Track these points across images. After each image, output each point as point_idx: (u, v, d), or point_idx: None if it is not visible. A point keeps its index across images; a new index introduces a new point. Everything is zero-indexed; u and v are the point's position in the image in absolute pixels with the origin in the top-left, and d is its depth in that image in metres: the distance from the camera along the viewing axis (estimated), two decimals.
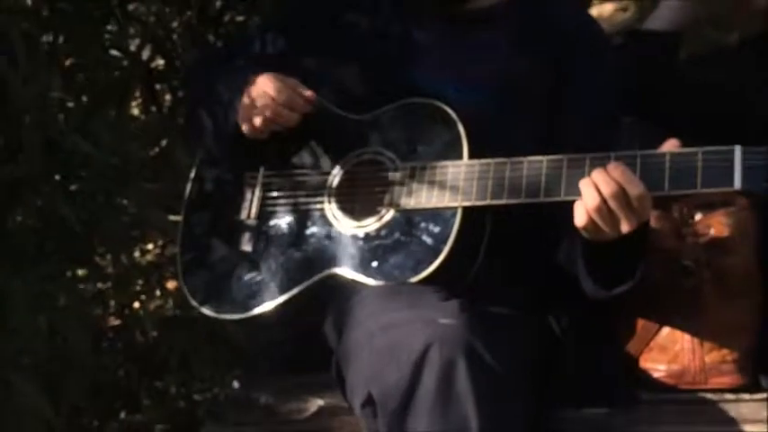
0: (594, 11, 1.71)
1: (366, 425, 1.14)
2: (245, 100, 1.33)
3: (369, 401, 1.08)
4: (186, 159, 1.84)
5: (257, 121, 1.31)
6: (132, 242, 2.27)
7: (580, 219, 1.12)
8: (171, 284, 2.71)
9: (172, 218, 1.83)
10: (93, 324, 2.24)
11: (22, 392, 1.55)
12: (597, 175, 1.11)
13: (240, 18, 2.35)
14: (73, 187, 1.77)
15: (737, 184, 1.08)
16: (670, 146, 1.13)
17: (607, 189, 1.10)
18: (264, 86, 1.31)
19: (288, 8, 1.59)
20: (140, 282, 2.53)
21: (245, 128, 1.34)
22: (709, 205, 1.34)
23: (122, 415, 2.20)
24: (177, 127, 2.48)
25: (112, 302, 2.41)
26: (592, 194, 1.10)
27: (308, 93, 1.32)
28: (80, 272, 2.00)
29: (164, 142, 2.51)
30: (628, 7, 1.93)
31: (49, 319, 1.62)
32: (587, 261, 1.20)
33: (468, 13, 1.38)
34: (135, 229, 2.10)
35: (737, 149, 1.09)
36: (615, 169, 1.11)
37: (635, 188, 1.10)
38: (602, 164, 1.13)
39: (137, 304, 2.52)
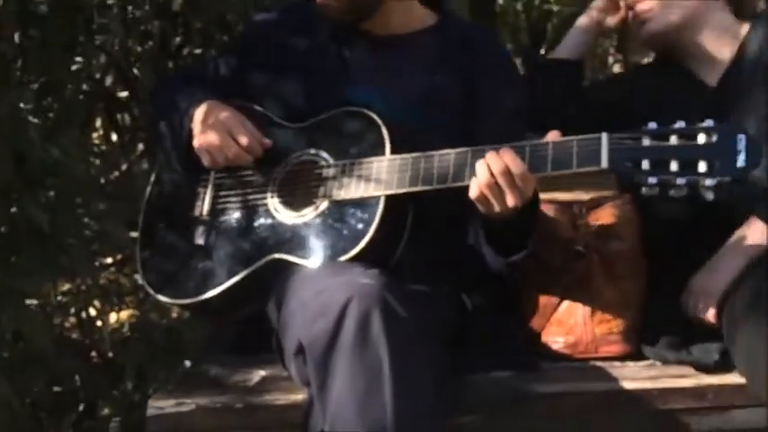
0: None
1: (297, 373, 1.31)
2: (203, 129, 1.51)
3: (299, 350, 1.25)
4: (145, 180, 2.02)
5: (219, 159, 1.51)
6: (92, 256, 2.41)
7: (473, 191, 1.33)
8: (129, 300, 2.85)
9: (131, 234, 1.98)
10: (54, 329, 2.38)
11: None
12: (489, 156, 1.33)
13: (198, 51, 2.55)
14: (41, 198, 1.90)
15: (604, 163, 1.29)
16: (552, 136, 1.35)
17: (496, 168, 1.31)
18: (227, 126, 1.50)
19: (239, 35, 1.80)
20: (98, 299, 2.67)
21: (204, 160, 1.53)
22: (601, 203, 1.57)
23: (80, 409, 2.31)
24: (137, 151, 2.66)
25: (72, 313, 2.54)
26: (484, 171, 1.32)
27: (266, 141, 1.53)
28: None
29: (124, 166, 2.68)
30: None
31: (16, 316, 1.76)
32: (486, 233, 1.41)
33: (393, 39, 1.60)
34: (96, 242, 2.25)
35: (604, 136, 1.30)
36: (504, 153, 1.32)
37: (518, 167, 1.31)
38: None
39: (99, 323, 2.66)
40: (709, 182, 1.23)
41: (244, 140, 1.50)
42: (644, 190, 1.27)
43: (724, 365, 1.41)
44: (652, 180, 1.25)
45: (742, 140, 1.23)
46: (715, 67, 1.64)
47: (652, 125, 1.28)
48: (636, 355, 1.51)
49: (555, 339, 1.53)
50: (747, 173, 1.24)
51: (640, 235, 1.56)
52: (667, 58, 1.74)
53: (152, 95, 1.81)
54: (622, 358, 1.51)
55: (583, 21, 1.81)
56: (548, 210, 1.55)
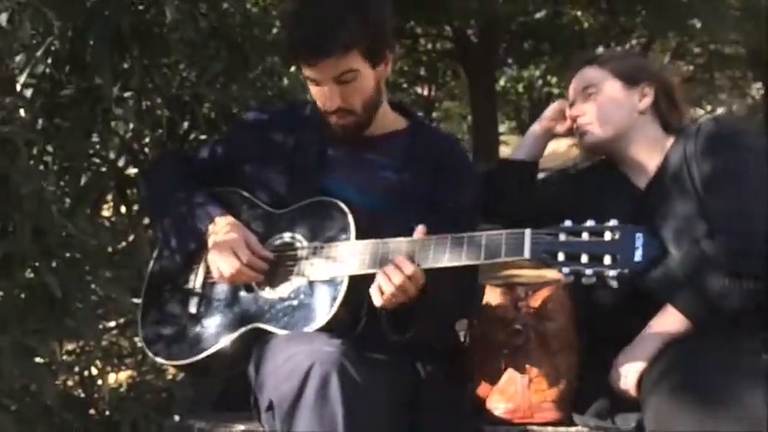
0: (551, 146, 2.17)
1: (268, 427, 1.53)
2: (215, 246, 1.73)
3: (270, 407, 1.48)
4: (148, 250, 2.25)
5: (226, 274, 1.72)
6: (97, 319, 2.63)
7: (376, 299, 1.60)
8: (128, 361, 3.05)
9: (134, 300, 2.20)
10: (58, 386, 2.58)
11: (3, 429, 1.88)
12: (388, 268, 1.59)
13: (203, 136, 2.82)
14: (53, 264, 2.12)
15: (527, 254, 1.53)
16: (418, 232, 1.62)
17: (397, 279, 1.58)
18: (236, 249, 1.71)
19: (234, 128, 2.07)
20: (99, 360, 2.87)
21: (214, 272, 1.75)
22: (540, 285, 1.81)
23: None
24: (142, 223, 2.90)
25: (75, 372, 2.74)
26: (386, 283, 1.59)
27: (267, 254, 1.75)
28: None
29: (131, 237, 2.92)
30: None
31: (26, 372, 1.97)
32: (386, 319, 1.66)
33: (368, 139, 1.86)
34: (101, 307, 2.47)
35: (527, 231, 1.54)
36: (401, 261, 1.59)
37: (410, 269, 1.58)
38: (443, 243, 1.59)
39: (99, 381, 2.86)
40: (612, 273, 1.47)
41: (250, 262, 1.72)
42: (562, 278, 1.50)
43: None
44: (566, 270, 1.49)
45: (640, 238, 1.47)
46: (644, 173, 1.88)
47: (567, 223, 1.53)
48: (567, 422, 1.72)
49: (497, 405, 1.74)
50: (643, 266, 1.47)
51: (572, 316, 1.79)
52: (608, 161, 1.99)
53: (152, 170, 2.05)
54: (556, 424, 1.72)
55: (535, 128, 2.06)
56: (494, 293, 1.79)
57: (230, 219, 1.78)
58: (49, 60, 2.24)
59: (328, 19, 1.69)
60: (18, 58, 2.17)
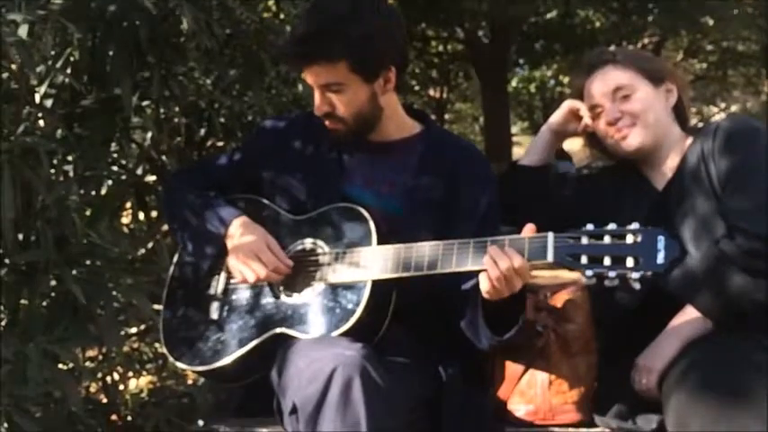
0: (567, 144, 2.15)
1: (292, 429, 1.55)
2: (236, 251, 1.75)
3: (293, 410, 1.50)
4: (168, 257, 2.27)
5: (250, 279, 1.74)
6: (119, 326, 2.66)
7: (484, 285, 1.57)
8: (149, 367, 3.09)
9: (155, 306, 2.22)
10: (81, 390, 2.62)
11: None
12: (495, 252, 1.56)
13: (220, 143, 2.84)
14: (75, 272, 2.14)
15: (550, 257, 1.53)
16: (527, 230, 1.58)
17: (503, 264, 1.55)
18: (258, 251, 1.73)
19: (253, 136, 2.09)
20: (121, 366, 2.90)
21: (237, 277, 1.77)
22: (560, 287, 1.82)
23: None
24: (162, 232, 2.93)
25: (98, 378, 2.77)
26: (493, 267, 1.55)
27: (289, 261, 1.76)
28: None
29: (150, 244, 2.95)
30: None
31: (50, 379, 2.00)
32: (486, 316, 1.64)
33: (385, 144, 1.87)
34: (122, 314, 2.50)
35: (550, 235, 1.54)
36: (508, 250, 1.56)
37: (518, 261, 1.55)
38: (465, 247, 1.59)
39: (121, 387, 2.89)
40: (635, 275, 1.47)
41: (271, 264, 1.74)
42: (583, 280, 1.51)
43: None
44: (589, 272, 1.50)
45: (662, 240, 1.48)
46: (663, 174, 1.88)
47: (590, 226, 1.53)
48: (589, 423, 1.73)
49: (518, 407, 1.75)
50: (666, 267, 1.48)
51: (591, 317, 1.80)
52: (625, 162, 1.98)
53: (171, 181, 2.08)
54: (577, 425, 1.73)
55: (546, 129, 2.03)
56: None
57: (247, 220, 1.80)
58: (69, 71, 2.27)
59: (317, 30, 1.72)
60: (38, 69, 2.20)
